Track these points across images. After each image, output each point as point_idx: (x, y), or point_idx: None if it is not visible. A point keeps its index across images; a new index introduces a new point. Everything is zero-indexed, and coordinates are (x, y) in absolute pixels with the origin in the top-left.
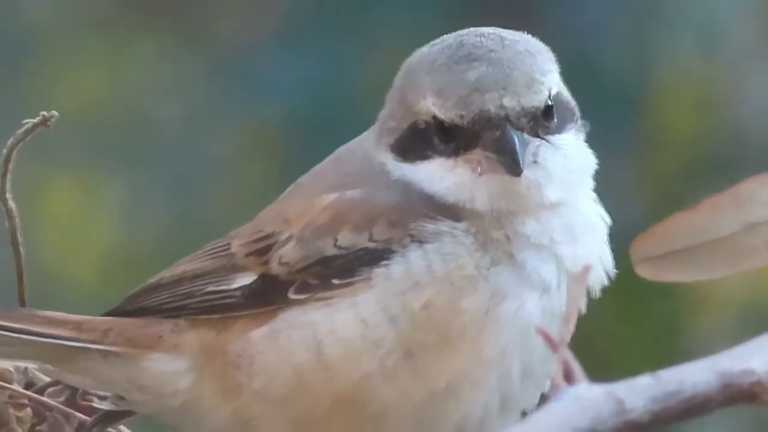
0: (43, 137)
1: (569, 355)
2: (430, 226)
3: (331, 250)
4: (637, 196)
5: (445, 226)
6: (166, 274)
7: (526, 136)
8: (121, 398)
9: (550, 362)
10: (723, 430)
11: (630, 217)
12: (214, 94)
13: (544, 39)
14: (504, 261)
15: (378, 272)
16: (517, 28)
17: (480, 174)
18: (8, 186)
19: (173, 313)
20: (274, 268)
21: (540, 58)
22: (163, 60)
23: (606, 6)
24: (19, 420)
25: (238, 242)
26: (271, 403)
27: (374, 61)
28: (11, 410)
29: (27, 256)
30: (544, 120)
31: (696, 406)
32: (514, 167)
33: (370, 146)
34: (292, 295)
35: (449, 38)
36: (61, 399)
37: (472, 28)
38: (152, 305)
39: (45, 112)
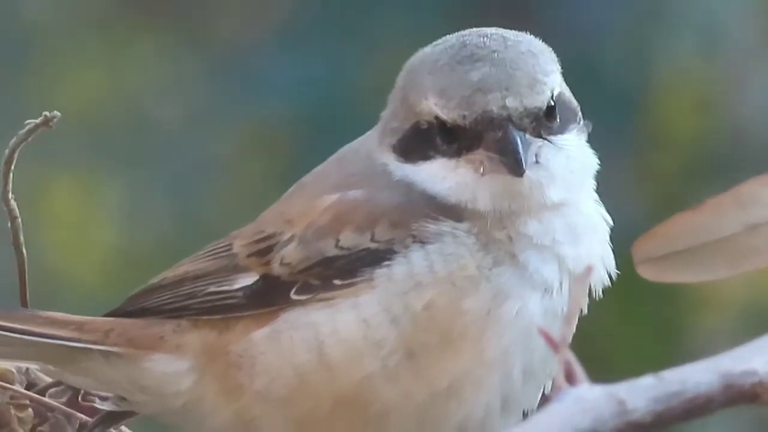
0: (44, 137)
1: (571, 356)
2: (432, 227)
3: (332, 251)
4: (637, 196)
5: (446, 226)
6: (168, 274)
7: (528, 136)
8: (123, 399)
9: (552, 363)
10: (725, 431)
11: (630, 217)
12: (215, 95)
13: (544, 39)
14: (506, 261)
15: (380, 273)
16: (517, 28)
17: (482, 174)
18: (10, 186)
19: (175, 313)
20: (276, 268)
21: (542, 59)
22: (163, 60)
23: (606, 6)
24: (21, 421)
25: (239, 243)
26: (272, 403)
27: (375, 61)
28: (13, 411)
29: (28, 256)
30: (546, 120)
31: (698, 407)
32: (516, 168)
33: (373, 146)
34: (293, 296)
35: (452, 38)
36: (63, 400)
37: (474, 29)
38: (154, 306)
39: (47, 112)
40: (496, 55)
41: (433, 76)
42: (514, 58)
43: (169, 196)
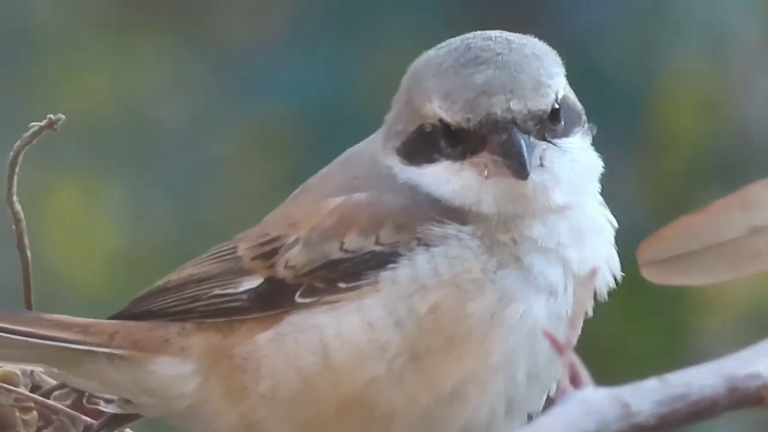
0: (47, 140)
1: (575, 359)
2: (436, 230)
3: (337, 254)
4: (641, 198)
5: (451, 229)
6: (173, 277)
7: (532, 139)
8: (128, 401)
9: (556, 365)
10: None
11: (635, 220)
12: (217, 96)
13: (548, 41)
14: (510, 264)
15: (384, 276)
16: (520, 30)
17: (486, 177)
18: (14, 189)
19: (180, 316)
20: (281, 271)
21: (547, 62)
22: (166, 62)
23: (609, 8)
24: (25, 423)
25: (244, 245)
26: (277, 406)
27: (377, 62)
28: (17, 413)
29: (32, 258)
30: (550, 123)
31: (702, 410)
32: (520, 170)
33: (377, 149)
34: (298, 299)
35: (456, 41)
36: (67, 402)
37: (479, 32)
38: (159, 308)
39: (51, 115)
40: (500, 58)
41: (437, 79)
42: (519, 61)
43: (172, 198)
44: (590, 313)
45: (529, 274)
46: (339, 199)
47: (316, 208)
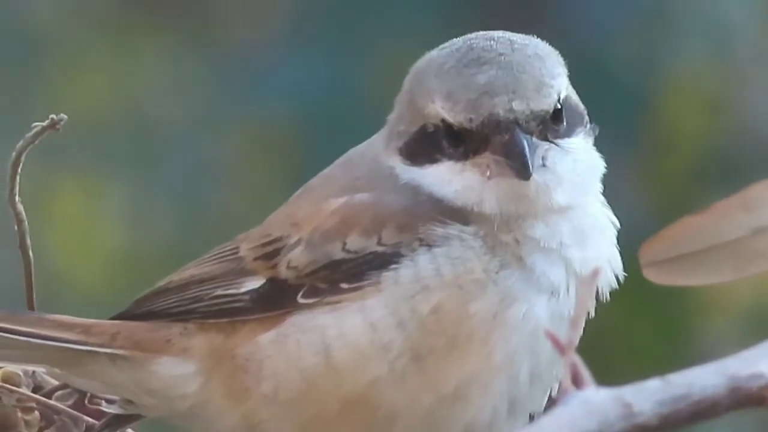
0: (49, 140)
1: (577, 359)
2: (438, 230)
3: (339, 254)
4: (644, 198)
5: (453, 229)
6: (175, 277)
7: (535, 139)
8: (129, 402)
9: (558, 366)
10: None
11: (637, 220)
12: (219, 96)
13: (550, 41)
14: (513, 264)
15: (387, 276)
16: (521, 30)
17: (489, 177)
18: (17, 189)
19: (182, 316)
20: (283, 272)
21: (549, 62)
22: (167, 62)
23: (612, 8)
24: (27, 423)
25: (246, 246)
26: (279, 407)
27: (378, 62)
28: (19, 414)
29: (34, 259)
30: (553, 124)
31: (704, 410)
32: (522, 171)
33: (379, 150)
34: (300, 300)
35: (458, 42)
36: (69, 402)
37: (481, 32)
38: (161, 309)
39: (54, 115)
40: (502, 58)
41: (439, 79)
42: (521, 61)
43: (173, 198)
44: (592, 314)
45: (532, 274)
46: (341, 200)
47: (319, 209)
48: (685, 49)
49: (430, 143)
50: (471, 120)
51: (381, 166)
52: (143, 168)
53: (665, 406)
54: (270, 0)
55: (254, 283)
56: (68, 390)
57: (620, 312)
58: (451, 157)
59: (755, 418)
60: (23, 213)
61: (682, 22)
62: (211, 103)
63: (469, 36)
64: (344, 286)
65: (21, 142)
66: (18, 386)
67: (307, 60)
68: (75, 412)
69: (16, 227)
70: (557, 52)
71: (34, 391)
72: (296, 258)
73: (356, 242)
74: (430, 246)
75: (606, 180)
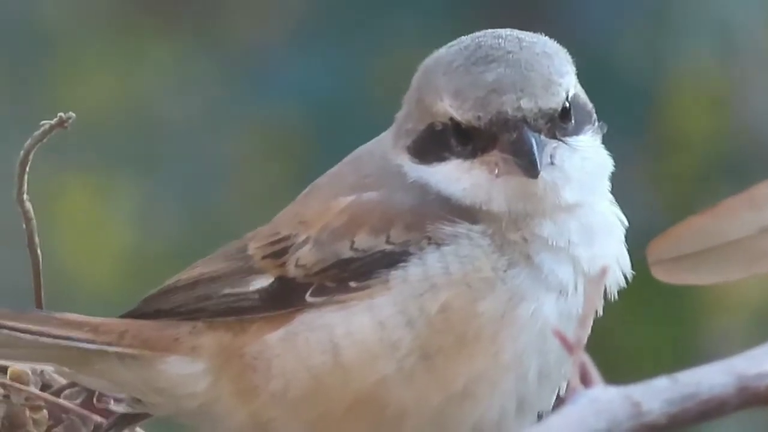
0: (58, 140)
1: (585, 358)
2: (447, 229)
3: (348, 253)
4: (651, 197)
5: (462, 228)
6: (183, 276)
7: (543, 137)
8: (138, 400)
9: (567, 364)
10: None
11: (645, 219)
12: (227, 96)
13: (557, 39)
14: (521, 263)
15: (395, 275)
16: (528, 29)
17: (497, 176)
18: (25, 188)
19: (190, 315)
20: (291, 270)
21: (557, 60)
22: (175, 62)
23: (619, 7)
24: (36, 422)
25: (254, 244)
26: (287, 405)
27: (385, 62)
28: (28, 412)
29: (43, 257)
30: (561, 122)
31: (712, 409)
32: (531, 169)
33: (388, 148)
34: (309, 298)
35: (466, 40)
36: (78, 401)
37: (489, 30)
38: (169, 307)
39: (62, 114)
40: (511, 56)
41: (447, 77)
42: (529, 59)
43: (182, 198)
44: (600, 312)
45: (540, 272)
46: (350, 198)
47: (327, 207)
48: (690, 49)
49: (438, 141)
50: (479, 118)
51: (389, 164)
52: (151, 167)
53: (674, 405)
54: (276, 1)
55: (263, 281)
56: (76, 388)
57: (628, 311)
58: (459, 155)
59: (763, 417)
60: (31, 212)
61: (687, 22)
62: (219, 103)
63: (478, 34)
64: (352, 284)
65: (29, 141)
66: (26, 385)
67: (312, 60)
68: (83, 411)
69: (24, 226)
70: (565, 50)
71: (43, 389)
72: (304, 256)
73: (365, 241)
74: (438, 244)
75: (614, 178)
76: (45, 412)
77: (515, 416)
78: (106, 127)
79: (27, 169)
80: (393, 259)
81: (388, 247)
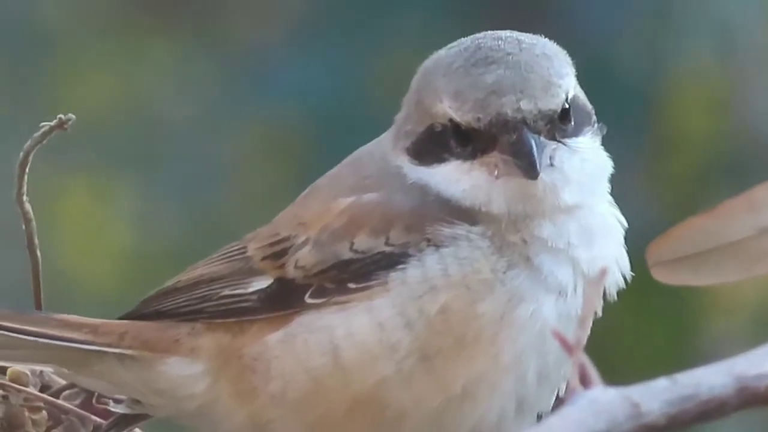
0: (58, 140)
1: (585, 359)
2: (446, 230)
3: (347, 254)
4: (651, 198)
5: (461, 229)
6: (183, 277)
7: (542, 139)
8: (137, 401)
9: (566, 365)
10: None
11: (645, 220)
12: (227, 97)
13: (557, 41)
14: (520, 264)
15: (394, 276)
16: (528, 30)
17: (497, 177)
18: (24, 189)
19: (189, 316)
20: (291, 271)
21: (557, 62)
22: (175, 63)
23: (619, 7)
24: (35, 423)
25: (254, 245)
26: (287, 406)
27: (385, 63)
28: (27, 413)
29: (42, 258)
30: (560, 123)
31: (712, 410)
32: (530, 170)
33: (387, 149)
34: (308, 299)
35: (466, 41)
36: (77, 402)
37: (489, 31)
38: (168, 309)
39: (62, 115)
40: (510, 57)
41: (447, 79)
42: (529, 60)
43: (181, 198)
44: (599, 314)
45: (539, 274)
46: (349, 199)
47: (327, 208)
48: (690, 50)
49: (437, 143)
50: (479, 119)
51: (389, 165)
52: (150, 168)
53: (673, 406)
54: (276, 1)
55: (262, 282)
56: (76, 389)
57: (628, 312)
58: (458, 157)
59: (762, 418)
60: (31, 213)
61: (687, 23)
62: (218, 103)
63: (477, 35)
64: (352, 286)
65: (29, 142)
66: (26, 386)
67: (312, 60)
68: (82, 412)
69: (23, 227)
70: (565, 51)
71: (42, 390)
72: (304, 258)
73: (364, 242)
74: (437, 246)
75: (613, 180)
76: (44, 412)
77: (514, 417)
78: (105, 127)
79: (27, 169)
80: (392, 261)
81: (388, 249)
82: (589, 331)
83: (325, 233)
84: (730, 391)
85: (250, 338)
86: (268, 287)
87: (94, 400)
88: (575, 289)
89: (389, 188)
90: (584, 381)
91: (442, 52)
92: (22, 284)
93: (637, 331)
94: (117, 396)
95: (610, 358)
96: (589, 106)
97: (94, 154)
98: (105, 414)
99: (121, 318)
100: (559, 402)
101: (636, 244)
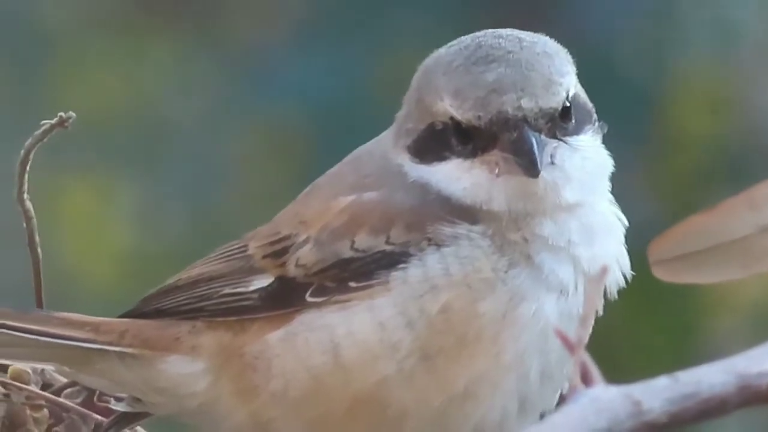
0: (59, 139)
1: (586, 357)
2: (447, 229)
3: (348, 253)
4: (652, 197)
5: (462, 229)
6: (183, 275)
7: (543, 137)
8: (138, 400)
9: (568, 364)
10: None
11: (645, 218)
12: (228, 96)
13: (558, 39)
14: (521, 263)
15: (395, 275)
16: (530, 29)
17: (497, 175)
18: (25, 187)
19: (190, 314)
20: (291, 270)
21: (558, 60)
22: (177, 62)
23: (621, 6)
24: (36, 421)
25: (255, 244)
26: (288, 405)
27: (386, 63)
28: (28, 411)
29: (43, 257)
30: (561, 121)
31: (713, 408)
32: (531, 168)
33: (388, 147)
34: (309, 298)
35: (467, 39)
36: (78, 400)
37: (489, 30)
38: (169, 307)
39: (62, 113)
40: (511, 56)
41: (448, 77)
42: (530, 58)
43: (183, 197)
44: (601, 312)
45: (540, 272)
46: (350, 198)
47: (327, 207)
48: (692, 49)
49: (438, 141)
50: (479, 117)
51: (390, 163)
52: (152, 167)
53: (674, 404)
54: (276, 1)
55: (263, 281)
56: (77, 388)
57: (628, 310)
58: (459, 155)
59: (763, 416)
60: (32, 211)
61: (689, 22)
62: (219, 103)
63: (478, 34)
64: (353, 284)
65: (30, 140)
66: (27, 384)
67: (313, 60)
68: (84, 410)
69: (24, 225)
70: (566, 50)
71: (43, 388)
72: (305, 256)
73: (365, 241)
74: (438, 245)
75: (614, 178)
76: (45, 411)
77: (517, 417)
78: (106, 126)
79: (27, 168)
80: (393, 260)
81: (388, 248)
82: (590, 330)
83: (325, 232)
84: (731, 389)
85: (250, 337)
86: (268, 286)
87: (95, 399)
88: (576, 288)
89: (390, 187)
90: (586, 379)
91: (442, 50)
92: (23, 283)
93: (638, 330)
94: (118, 394)
95: (612, 356)
96: (590, 105)
97: (94, 154)
98: (106, 412)
99: (121, 316)
100: (562, 400)
101: (637, 242)
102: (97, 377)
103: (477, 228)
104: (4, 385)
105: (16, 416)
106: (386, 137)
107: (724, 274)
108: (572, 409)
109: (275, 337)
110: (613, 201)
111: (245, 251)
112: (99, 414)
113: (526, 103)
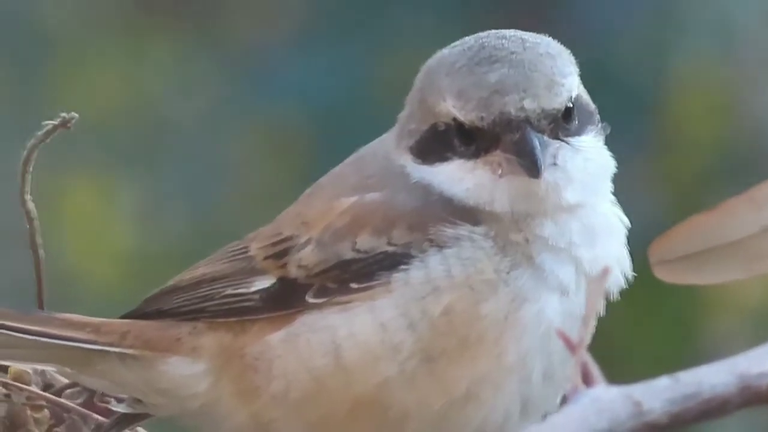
0: (61, 140)
1: (588, 357)
2: (449, 231)
3: (349, 254)
4: (653, 198)
5: (464, 230)
6: (185, 276)
7: (546, 138)
8: (139, 401)
9: (570, 364)
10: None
11: (647, 219)
12: (229, 96)
13: (561, 40)
14: (523, 264)
15: (397, 277)
16: (532, 30)
17: (500, 176)
18: (28, 188)
19: (191, 315)
20: (293, 271)
21: (560, 61)
22: (178, 62)
23: (622, 8)
24: (37, 421)
25: (256, 245)
26: (289, 406)
27: (387, 63)
28: (29, 412)
29: (45, 257)
30: (564, 122)
31: (714, 408)
32: (533, 169)
33: (390, 148)
34: (310, 299)
35: (470, 40)
36: (79, 401)
37: (492, 30)
38: (170, 308)
39: (64, 114)
40: (514, 56)
41: (450, 78)
42: (532, 59)
43: (184, 198)
44: (602, 313)
45: (542, 273)
46: (352, 199)
47: (329, 208)
48: (693, 50)
49: (441, 142)
50: (482, 118)
51: (392, 164)
52: (153, 167)
53: (675, 405)
54: (277, 1)
55: (264, 282)
56: (78, 388)
57: (630, 311)
58: (462, 156)
59: (765, 417)
60: (34, 211)
61: (690, 23)
62: (221, 103)
63: (481, 34)
64: (354, 286)
65: (32, 140)
66: (28, 384)
67: (313, 60)
68: (84, 411)
69: (26, 226)
70: (569, 51)
71: (44, 389)
72: (306, 257)
73: (366, 242)
74: (440, 247)
75: (615, 179)
76: (46, 411)
77: (519, 418)
78: (107, 127)
79: (30, 168)
80: (395, 261)
81: (390, 249)
82: (592, 331)
83: (327, 233)
84: (732, 389)
85: (252, 338)
86: (270, 287)
87: (96, 399)
88: (577, 288)
89: (392, 187)
90: (587, 380)
91: (445, 51)
92: (25, 283)
93: (640, 330)
94: (119, 395)
95: (613, 356)
96: (593, 106)
97: (96, 154)
98: (107, 413)
99: (123, 317)
100: (565, 400)
101: (638, 243)
102: (98, 378)
103: (479, 229)
104: (5, 385)
105: (16, 417)
106: (388, 138)
107: (726, 274)
108: (573, 409)
109: (276, 338)
110: (615, 202)
111: (247, 252)
112: (100, 415)
113: (528, 104)
